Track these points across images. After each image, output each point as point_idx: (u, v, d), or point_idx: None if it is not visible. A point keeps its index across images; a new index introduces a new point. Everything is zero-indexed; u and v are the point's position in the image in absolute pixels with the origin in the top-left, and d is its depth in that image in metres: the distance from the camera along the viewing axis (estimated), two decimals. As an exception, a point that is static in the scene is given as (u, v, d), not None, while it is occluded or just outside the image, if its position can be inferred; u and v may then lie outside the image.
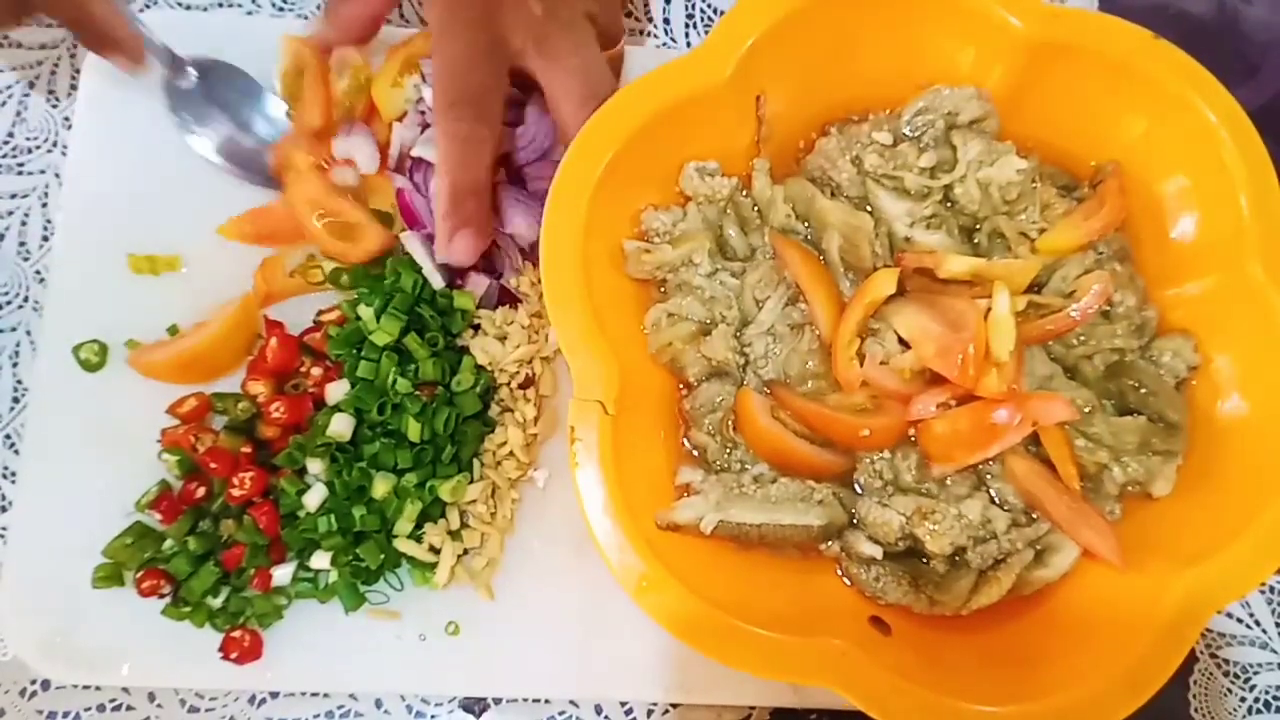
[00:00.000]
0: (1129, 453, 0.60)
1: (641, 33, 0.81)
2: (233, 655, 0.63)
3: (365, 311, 0.65)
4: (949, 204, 0.65)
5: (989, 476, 0.61)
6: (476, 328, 0.69)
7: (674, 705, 0.67)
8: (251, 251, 0.70)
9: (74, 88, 0.75)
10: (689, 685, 0.65)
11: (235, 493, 0.63)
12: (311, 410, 0.66)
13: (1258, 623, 0.71)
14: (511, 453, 0.67)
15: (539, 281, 0.64)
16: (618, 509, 0.55)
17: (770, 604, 0.57)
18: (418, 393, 0.65)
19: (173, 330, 0.69)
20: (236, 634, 0.64)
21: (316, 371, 0.66)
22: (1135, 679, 0.53)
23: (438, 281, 0.67)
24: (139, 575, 0.64)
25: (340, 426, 0.64)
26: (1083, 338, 0.62)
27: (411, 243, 0.68)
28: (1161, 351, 0.63)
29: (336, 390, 0.65)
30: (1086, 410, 0.61)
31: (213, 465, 0.64)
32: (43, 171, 0.75)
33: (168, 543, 0.64)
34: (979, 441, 0.58)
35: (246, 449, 0.65)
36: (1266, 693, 0.70)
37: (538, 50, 0.61)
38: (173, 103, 0.71)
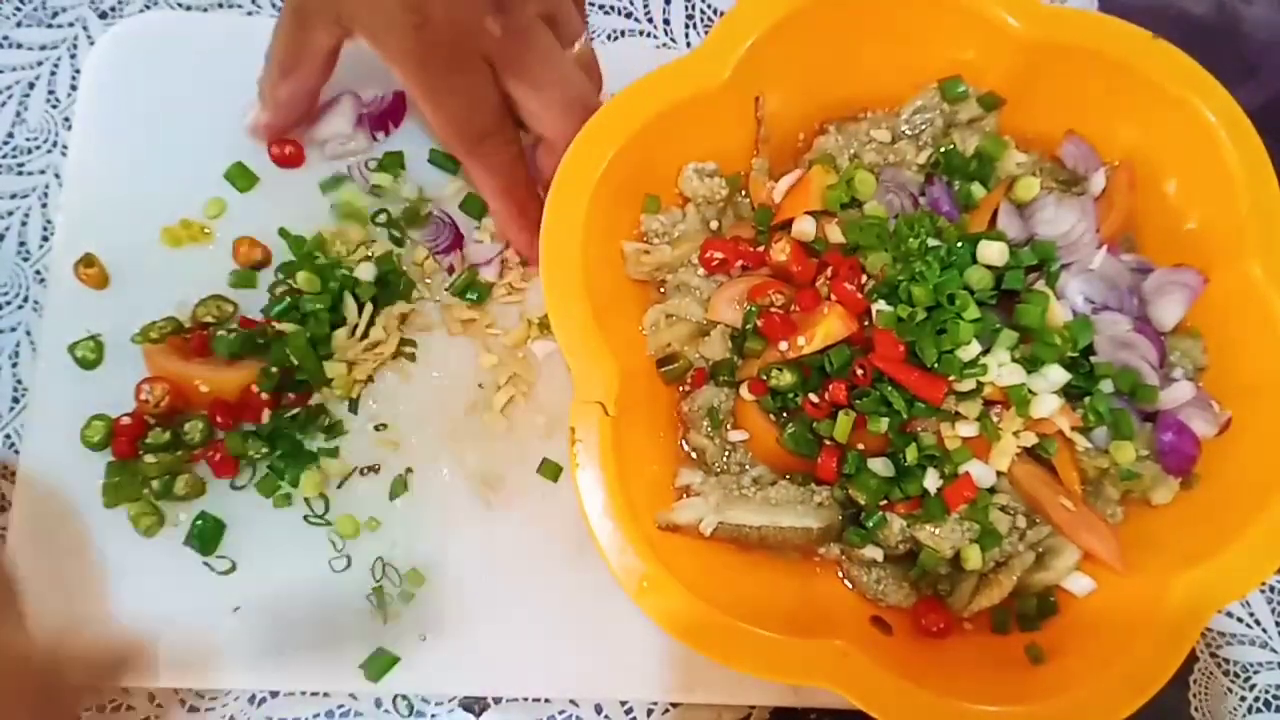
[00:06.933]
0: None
1: (641, 33, 0.81)
2: None
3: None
4: (949, 201, 0.65)
5: (990, 479, 0.61)
6: None
7: (674, 705, 0.67)
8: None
9: (74, 88, 0.75)
10: (689, 685, 0.65)
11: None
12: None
13: (1258, 622, 0.71)
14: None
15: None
16: (618, 510, 0.55)
17: (771, 605, 0.57)
18: None
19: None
20: None
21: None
22: (1135, 679, 0.53)
23: None
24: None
25: None
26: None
27: None
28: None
29: None
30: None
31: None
32: (43, 172, 0.75)
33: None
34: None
35: None
36: (1266, 692, 0.70)
37: (507, 71, 0.60)
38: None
